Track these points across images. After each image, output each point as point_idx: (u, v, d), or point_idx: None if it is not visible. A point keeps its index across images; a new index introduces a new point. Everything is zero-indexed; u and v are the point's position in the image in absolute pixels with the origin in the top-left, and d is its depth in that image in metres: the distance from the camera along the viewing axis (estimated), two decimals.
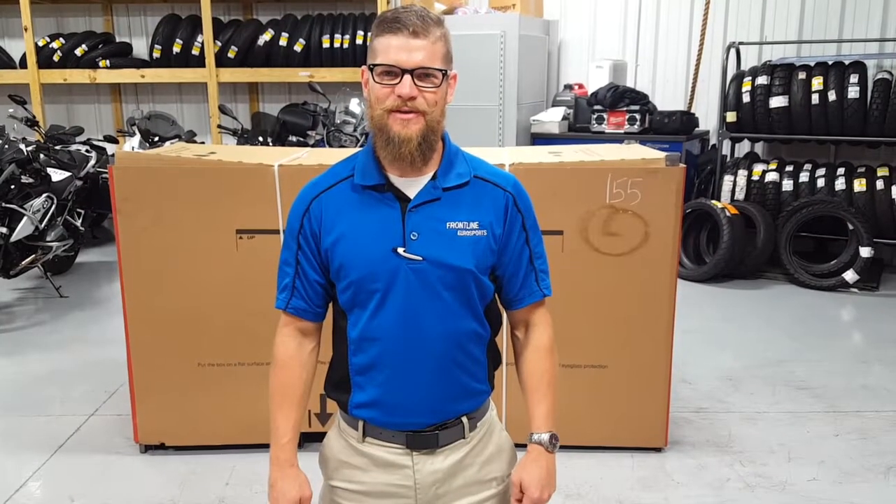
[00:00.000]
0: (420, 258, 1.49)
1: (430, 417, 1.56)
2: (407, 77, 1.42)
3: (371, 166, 1.53)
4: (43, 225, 5.39)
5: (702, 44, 6.93)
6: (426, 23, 1.44)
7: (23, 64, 7.52)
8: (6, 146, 5.30)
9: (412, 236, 1.49)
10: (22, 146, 5.45)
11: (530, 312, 1.65)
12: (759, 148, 6.80)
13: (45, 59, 7.45)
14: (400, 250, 1.49)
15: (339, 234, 1.53)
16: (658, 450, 3.33)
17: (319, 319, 1.63)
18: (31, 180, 5.40)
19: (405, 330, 1.52)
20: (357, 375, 1.57)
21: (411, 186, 1.52)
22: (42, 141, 6.19)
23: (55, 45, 7.51)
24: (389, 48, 1.43)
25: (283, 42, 7.26)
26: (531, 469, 1.56)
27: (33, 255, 5.35)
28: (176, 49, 7.42)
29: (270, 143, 6.93)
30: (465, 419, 1.59)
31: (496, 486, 1.64)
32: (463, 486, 1.61)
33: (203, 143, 7.29)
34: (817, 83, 5.87)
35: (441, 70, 1.45)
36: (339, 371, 1.61)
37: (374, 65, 1.45)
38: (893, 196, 5.75)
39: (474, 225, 1.52)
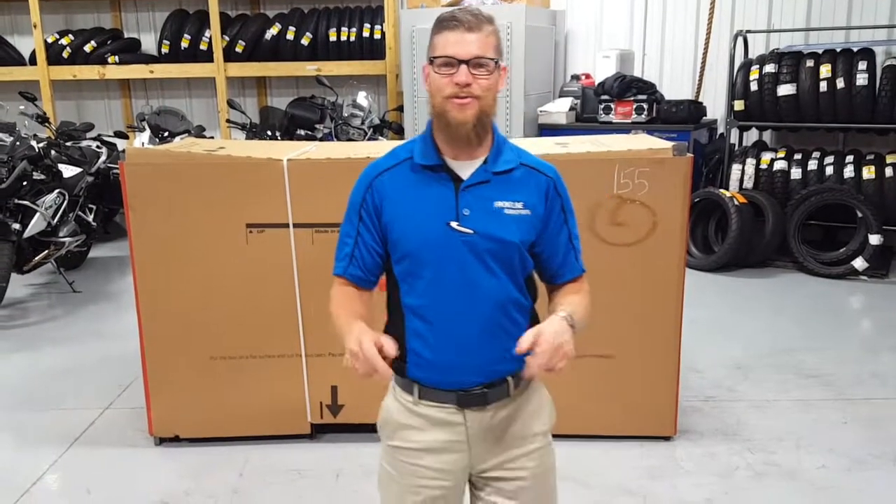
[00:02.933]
0: (471, 231, 1.65)
1: (478, 377, 1.70)
2: (463, 66, 1.59)
3: (430, 148, 1.69)
4: (55, 221, 5.44)
5: (709, 32, 6.91)
6: (479, 19, 1.63)
7: (32, 61, 7.56)
8: (18, 143, 5.35)
9: (464, 212, 1.66)
10: (33, 143, 5.50)
11: (572, 284, 1.80)
12: (767, 136, 6.78)
13: (54, 55, 7.49)
14: (453, 224, 1.65)
15: (398, 209, 1.69)
16: (667, 438, 3.35)
17: (371, 287, 1.77)
18: (42, 177, 5.45)
19: (457, 296, 1.67)
20: (413, 339, 1.71)
21: (464, 168, 1.68)
22: (53, 137, 6.24)
23: (64, 41, 7.55)
24: (448, 43, 1.61)
25: (290, 36, 7.28)
26: (545, 325, 1.61)
27: (46, 251, 5.40)
28: (184, 44, 7.45)
29: (279, 137, 6.96)
30: (509, 378, 1.72)
31: (540, 440, 1.78)
32: (510, 439, 1.75)
33: (212, 137, 7.33)
34: (825, 70, 5.84)
35: (493, 59, 1.62)
36: (394, 337, 1.68)
37: (435, 57, 1.63)
38: None
39: (519, 205, 1.69)
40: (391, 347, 1.57)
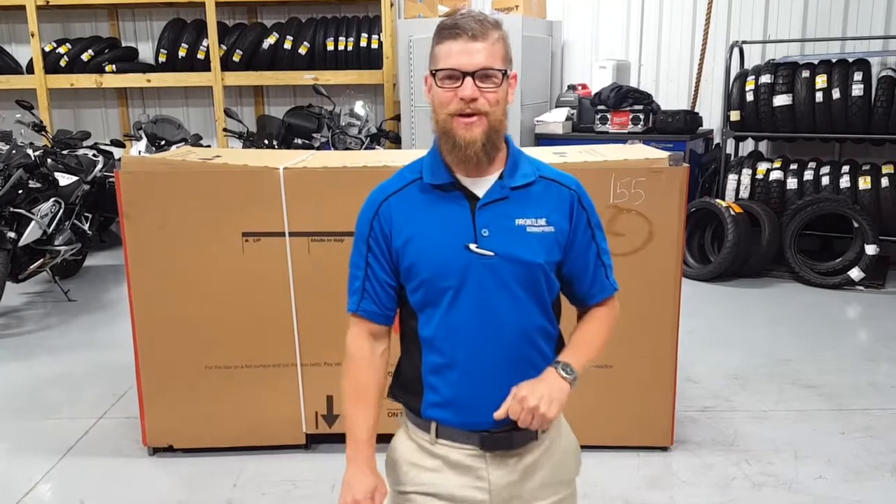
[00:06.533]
0: (492, 253, 1.52)
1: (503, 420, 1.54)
2: (468, 79, 1.46)
3: (439, 166, 1.57)
4: (51, 229, 5.42)
5: (705, 43, 6.94)
6: (484, 26, 1.49)
7: (30, 69, 7.56)
8: (14, 151, 5.34)
9: (483, 233, 1.53)
10: (29, 151, 5.48)
11: (601, 308, 1.68)
12: (763, 146, 6.80)
13: (51, 64, 7.49)
14: (472, 246, 1.52)
15: (409, 234, 1.55)
16: (664, 449, 3.34)
17: (389, 322, 1.64)
18: (38, 185, 5.44)
19: (479, 326, 1.54)
20: (430, 375, 1.58)
21: (479, 186, 1.56)
22: (49, 146, 6.23)
23: (62, 50, 7.55)
24: (451, 53, 1.48)
25: (287, 45, 7.29)
26: (531, 382, 1.50)
27: (41, 260, 5.38)
28: (181, 53, 7.46)
29: (276, 146, 6.96)
30: None
31: (564, 489, 1.66)
32: (536, 489, 1.61)
33: (209, 146, 7.33)
34: (821, 81, 5.86)
35: (501, 70, 1.50)
36: (410, 373, 1.61)
37: (437, 70, 1.50)
38: None
39: (542, 221, 1.56)
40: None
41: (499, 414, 1.47)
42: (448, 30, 1.50)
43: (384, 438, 1.69)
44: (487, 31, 1.49)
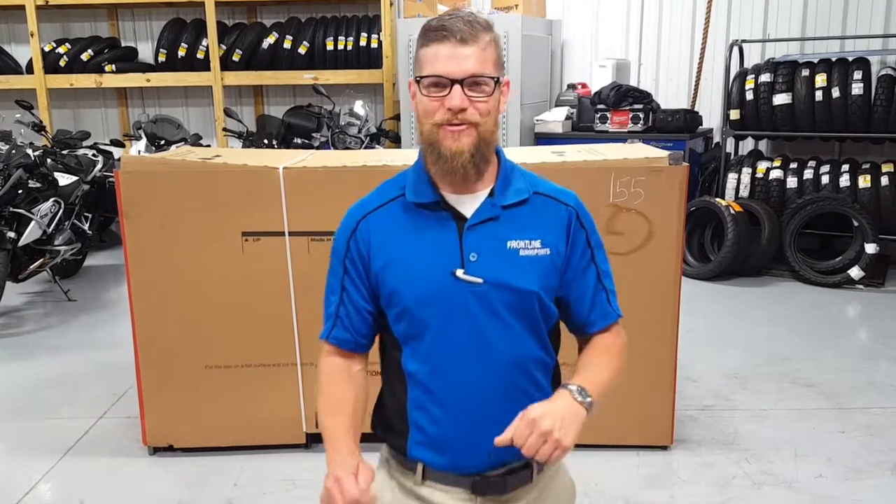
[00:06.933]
0: (481, 280, 1.39)
1: (497, 455, 1.42)
2: (456, 88, 1.33)
3: (423, 183, 1.42)
4: (51, 229, 5.42)
5: (704, 42, 6.93)
6: (474, 28, 1.34)
7: (29, 69, 7.56)
8: (14, 151, 5.34)
9: (471, 257, 1.39)
10: (29, 151, 5.49)
11: (604, 336, 1.52)
12: (762, 145, 6.80)
13: (51, 64, 7.48)
14: (459, 273, 1.39)
15: (390, 257, 1.42)
16: (664, 448, 3.34)
17: (364, 350, 1.51)
18: (38, 185, 5.44)
19: (468, 359, 1.40)
20: (415, 412, 1.44)
21: (467, 204, 1.42)
22: (49, 145, 6.23)
23: (61, 50, 7.54)
24: (437, 58, 1.34)
25: (287, 45, 7.29)
26: (543, 403, 1.33)
27: (41, 259, 5.38)
28: (181, 53, 7.45)
29: (275, 146, 6.96)
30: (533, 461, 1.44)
31: None
32: None
33: (209, 146, 7.33)
34: (821, 80, 5.86)
35: (493, 77, 1.36)
36: (393, 407, 1.48)
37: (422, 77, 1.36)
38: None
39: (536, 243, 1.42)
40: (366, 492, 1.34)
41: (502, 440, 1.30)
42: (434, 32, 1.35)
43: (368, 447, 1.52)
44: (478, 33, 1.35)
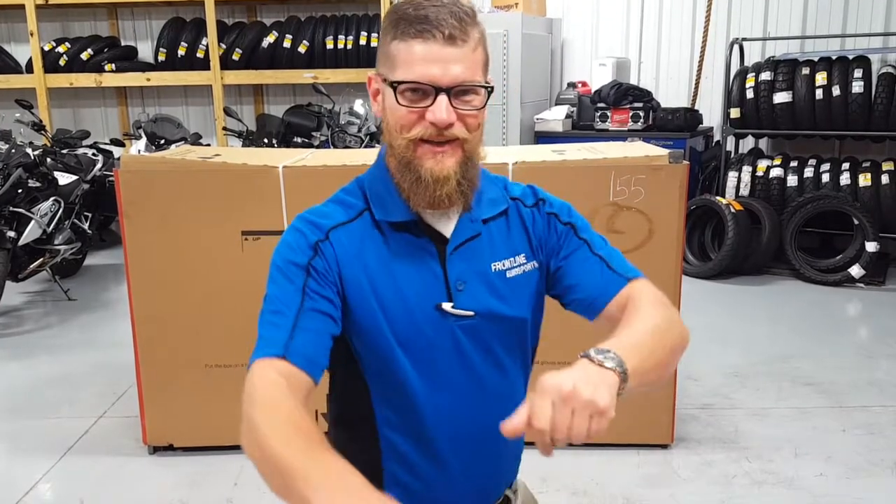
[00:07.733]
0: (471, 313, 1.17)
1: (482, 499, 1.27)
2: (442, 98, 1.08)
3: (393, 197, 1.18)
4: (50, 228, 5.42)
5: (705, 40, 6.93)
6: (463, 22, 1.08)
7: (29, 69, 7.55)
8: (13, 150, 5.34)
9: (458, 287, 1.17)
10: (29, 150, 5.48)
11: (622, 297, 1.24)
12: (763, 144, 6.79)
13: (51, 63, 7.48)
14: (446, 306, 1.16)
15: (360, 288, 1.16)
16: (664, 446, 3.34)
17: (317, 380, 1.14)
18: (38, 184, 5.43)
19: (457, 403, 1.19)
20: (390, 462, 1.22)
21: (444, 221, 1.19)
22: (49, 145, 6.23)
23: (61, 49, 7.54)
24: (416, 59, 1.07)
25: (286, 44, 7.28)
26: (555, 373, 0.97)
27: (41, 259, 5.38)
28: (181, 52, 7.45)
29: (275, 145, 6.96)
30: (509, 493, 1.32)
31: None
32: None
33: (208, 145, 7.32)
34: (821, 78, 5.86)
35: (485, 86, 1.12)
36: (365, 457, 1.14)
37: (396, 82, 1.09)
38: None
39: (521, 258, 1.22)
40: None
41: (512, 427, 0.96)
42: (413, 24, 1.07)
43: None
44: (467, 29, 1.08)
